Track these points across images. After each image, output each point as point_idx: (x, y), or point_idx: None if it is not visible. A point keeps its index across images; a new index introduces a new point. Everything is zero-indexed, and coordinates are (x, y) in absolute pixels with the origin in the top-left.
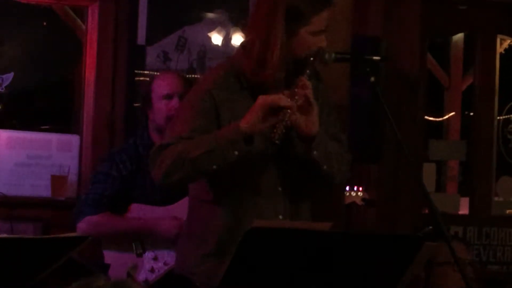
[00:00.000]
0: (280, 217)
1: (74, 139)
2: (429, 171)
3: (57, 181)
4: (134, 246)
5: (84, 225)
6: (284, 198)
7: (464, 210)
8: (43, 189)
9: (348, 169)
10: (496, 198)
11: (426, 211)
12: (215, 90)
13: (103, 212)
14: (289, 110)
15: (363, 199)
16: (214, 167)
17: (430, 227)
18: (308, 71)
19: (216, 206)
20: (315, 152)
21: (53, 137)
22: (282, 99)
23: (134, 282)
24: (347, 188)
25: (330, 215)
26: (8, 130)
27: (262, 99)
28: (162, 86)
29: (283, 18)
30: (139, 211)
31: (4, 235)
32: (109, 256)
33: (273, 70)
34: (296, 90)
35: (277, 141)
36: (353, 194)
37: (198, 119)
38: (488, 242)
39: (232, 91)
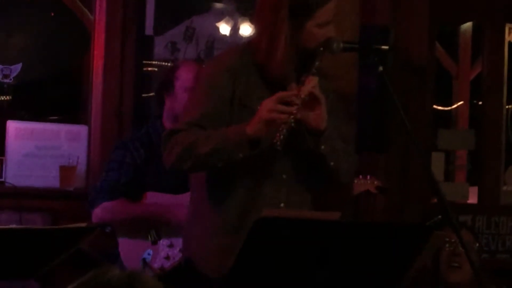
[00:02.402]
0: (282, 205)
1: (82, 129)
2: (437, 160)
3: (66, 171)
4: (149, 233)
5: (99, 211)
6: (287, 187)
7: (473, 199)
8: (51, 180)
9: (353, 170)
10: (505, 187)
11: (435, 200)
12: (235, 67)
13: (118, 199)
14: (292, 116)
15: (377, 187)
16: (219, 164)
17: (439, 216)
18: (317, 63)
19: (220, 190)
20: (323, 147)
21: (62, 127)
22: (281, 116)
23: (147, 273)
24: (360, 176)
25: (338, 204)
26: (16, 121)
27: (263, 110)
28: (190, 79)
29: (287, 12)
30: (153, 199)
31: (13, 226)
32: (124, 243)
33: (279, 65)
34: (302, 87)
35: (278, 147)
36: (368, 182)
37: (214, 102)
38: (497, 231)
39: (249, 73)
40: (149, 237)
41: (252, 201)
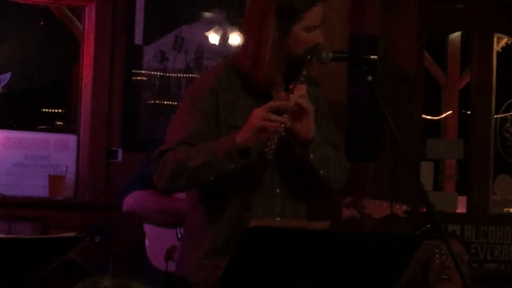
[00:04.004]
0: (278, 219)
1: (71, 139)
2: (426, 170)
3: (55, 181)
4: (177, 230)
5: (131, 199)
6: (281, 200)
7: (461, 208)
8: (40, 189)
9: (345, 177)
10: (493, 197)
11: (424, 209)
12: (218, 88)
13: (150, 190)
14: (282, 125)
15: (405, 211)
16: (212, 178)
17: (428, 226)
18: (304, 71)
19: (212, 208)
20: (311, 156)
21: (51, 137)
22: (272, 125)
23: (170, 266)
24: (388, 200)
25: (328, 214)
26: (5, 130)
27: (255, 118)
28: None
29: (274, 16)
30: (181, 196)
31: (2, 235)
32: (150, 230)
33: (266, 69)
34: (290, 95)
35: (270, 156)
36: (396, 206)
37: (198, 120)
38: (485, 241)
39: (233, 90)
40: (177, 233)
41: (246, 218)
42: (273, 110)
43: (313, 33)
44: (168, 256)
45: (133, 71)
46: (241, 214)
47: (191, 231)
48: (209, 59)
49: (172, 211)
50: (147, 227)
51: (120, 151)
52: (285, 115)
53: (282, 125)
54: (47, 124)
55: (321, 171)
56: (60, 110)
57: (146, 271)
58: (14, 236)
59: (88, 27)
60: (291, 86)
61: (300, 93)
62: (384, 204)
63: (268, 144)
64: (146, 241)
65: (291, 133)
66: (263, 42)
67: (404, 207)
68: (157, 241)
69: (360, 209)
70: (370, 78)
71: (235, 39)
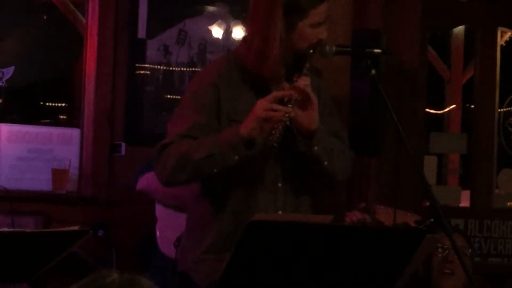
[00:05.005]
0: (280, 213)
1: (75, 132)
2: (430, 164)
3: (58, 174)
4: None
5: (144, 179)
6: (284, 194)
7: (465, 202)
8: (44, 183)
9: (349, 167)
10: (497, 191)
11: (427, 204)
12: (220, 82)
13: None
14: (286, 115)
15: (416, 221)
16: (215, 170)
17: (431, 220)
18: (308, 64)
19: (214, 203)
20: (315, 148)
21: (54, 131)
22: (276, 114)
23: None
24: (399, 209)
25: (330, 209)
26: (9, 124)
27: (259, 108)
28: None
29: (281, 12)
30: None
31: (5, 229)
32: (161, 218)
33: (272, 65)
34: (294, 86)
35: (275, 144)
36: (407, 214)
37: (201, 114)
38: (489, 235)
39: (235, 85)
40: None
41: (248, 212)
42: (277, 101)
43: (318, 29)
44: (178, 243)
45: (136, 65)
46: (243, 208)
47: (193, 226)
48: (213, 53)
49: (182, 194)
50: (159, 214)
51: (123, 145)
52: (289, 105)
53: (287, 115)
54: (50, 118)
55: (326, 163)
56: (63, 104)
57: (154, 259)
58: (17, 230)
59: (91, 21)
60: (295, 79)
61: (304, 84)
62: (397, 212)
63: (273, 132)
64: (157, 228)
65: (295, 124)
66: (271, 38)
67: (414, 217)
68: (168, 229)
69: (372, 215)
70: (373, 72)
71: (239, 32)
